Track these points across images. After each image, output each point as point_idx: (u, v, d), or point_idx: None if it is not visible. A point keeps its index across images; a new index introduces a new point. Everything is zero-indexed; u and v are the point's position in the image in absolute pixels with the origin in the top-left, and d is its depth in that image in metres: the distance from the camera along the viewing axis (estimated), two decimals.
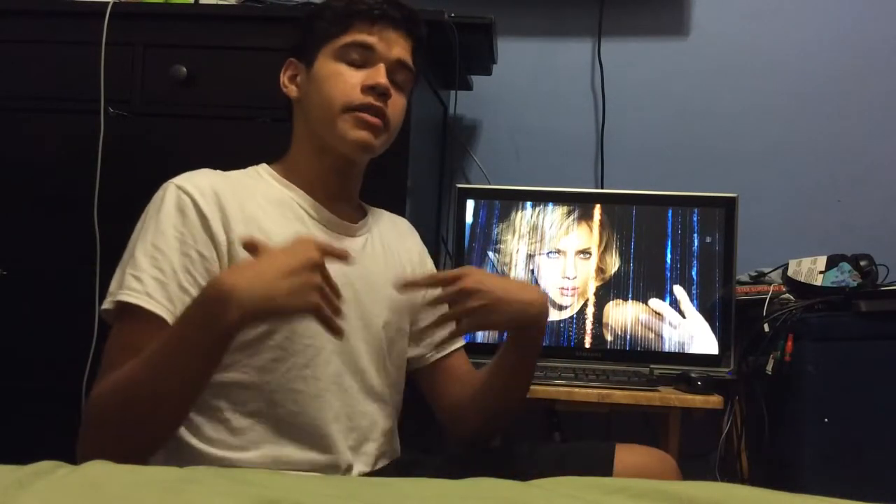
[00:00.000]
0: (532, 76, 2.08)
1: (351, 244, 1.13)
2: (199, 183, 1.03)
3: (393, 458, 1.15)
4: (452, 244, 1.78)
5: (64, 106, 1.62)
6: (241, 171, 1.14)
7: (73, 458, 1.32)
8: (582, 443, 1.16)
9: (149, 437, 0.92)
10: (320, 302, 0.88)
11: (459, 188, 1.80)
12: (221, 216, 1.02)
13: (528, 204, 1.76)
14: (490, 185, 1.99)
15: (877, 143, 2.00)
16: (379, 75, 1.08)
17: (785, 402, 1.57)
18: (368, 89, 1.07)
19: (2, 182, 1.62)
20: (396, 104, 1.11)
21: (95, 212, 1.54)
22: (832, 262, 1.63)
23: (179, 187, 1.02)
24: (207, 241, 1.00)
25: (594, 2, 2.03)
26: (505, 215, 1.77)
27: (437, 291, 1.25)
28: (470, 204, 1.77)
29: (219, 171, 1.09)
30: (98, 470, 0.69)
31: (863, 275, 1.60)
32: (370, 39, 1.09)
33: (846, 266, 1.61)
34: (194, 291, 0.97)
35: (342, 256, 0.92)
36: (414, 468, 1.11)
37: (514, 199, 1.77)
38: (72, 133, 1.60)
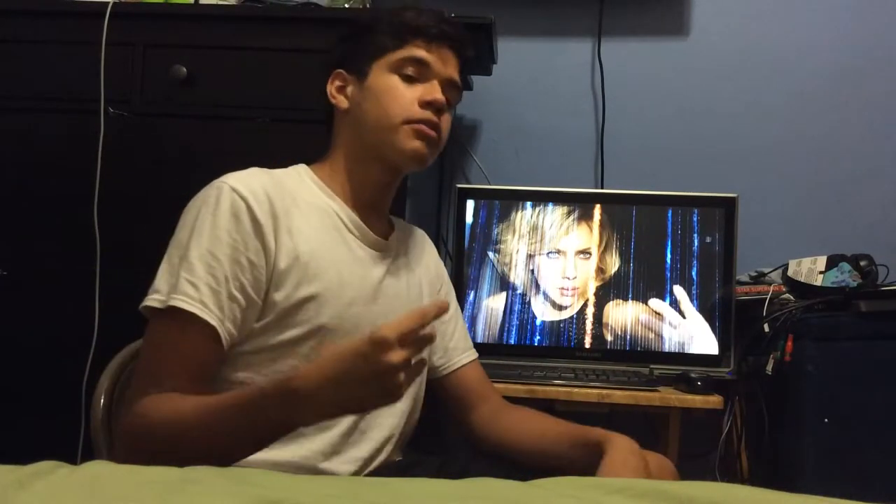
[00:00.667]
0: (532, 76, 2.08)
1: (381, 260, 1.14)
2: (253, 186, 1.02)
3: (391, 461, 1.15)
4: (452, 244, 1.78)
5: (64, 106, 1.62)
6: (284, 170, 1.13)
7: (73, 458, 1.32)
8: None
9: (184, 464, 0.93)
10: (402, 390, 0.84)
11: (459, 188, 1.80)
12: (273, 222, 1.01)
13: (528, 204, 1.76)
14: (490, 185, 1.99)
15: (877, 143, 2.00)
16: (436, 91, 1.09)
17: (785, 402, 1.57)
18: (426, 104, 1.09)
19: (2, 182, 1.62)
20: (447, 121, 1.13)
21: (95, 212, 1.54)
22: (832, 262, 1.63)
23: (234, 190, 1.00)
24: (259, 248, 1.00)
25: (594, 2, 2.03)
26: (505, 215, 1.77)
27: (453, 306, 1.28)
28: (470, 204, 1.78)
29: (266, 171, 1.08)
30: (98, 470, 0.69)
31: (863, 275, 1.60)
32: (428, 56, 1.10)
33: (846, 266, 1.61)
34: (241, 298, 0.98)
35: (440, 312, 0.86)
36: (414, 469, 1.11)
37: (514, 199, 1.77)
38: (72, 133, 1.60)
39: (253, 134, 1.57)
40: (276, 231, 1.01)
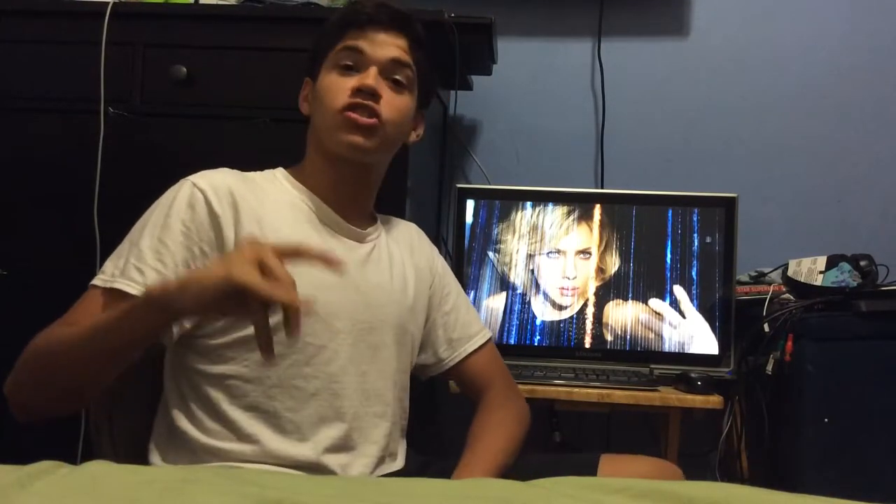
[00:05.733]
0: (532, 76, 2.08)
1: (359, 250, 1.14)
2: (215, 181, 1.05)
3: (394, 459, 1.15)
4: (452, 244, 1.78)
5: (64, 106, 1.62)
6: (259, 172, 1.15)
7: (73, 458, 1.33)
8: (573, 454, 1.17)
9: (63, 390, 0.96)
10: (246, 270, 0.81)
11: (459, 188, 1.80)
12: (234, 214, 1.03)
13: (528, 204, 1.76)
14: (490, 185, 1.99)
15: (877, 143, 2.00)
16: (367, 77, 1.09)
17: (785, 402, 1.57)
18: (357, 91, 1.09)
19: (2, 182, 1.62)
20: (392, 103, 1.11)
21: (95, 212, 1.54)
22: (832, 262, 1.63)
23: (195, 184, 1.04)
24: (213, 239, 1.02)
25: (594, 2, 2.03)
26: (505, 215, 1.77)
27: (453, 296, 1.27)
28: (470, 204, 1.77)
29: (237, 171, 1.11)
30: (98, 470, 0.69)
31: (863, 275, 1.60)
32: (357, 44, 1.11)
33: (846, 266, 1.61)
34: None
35: (330, 261, 0.87)
36: (415, 471, 1.12)
37: (514, 199, 1.77)
38: (72, 133, 1.60)
39: (253, 134, 1.57)
40: (236, 222, 1.03)
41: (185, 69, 1.57)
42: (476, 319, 1.30)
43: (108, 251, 1.54)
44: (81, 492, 0.62)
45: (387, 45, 1.12)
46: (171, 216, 1.02)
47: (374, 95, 1.09)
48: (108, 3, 1.56)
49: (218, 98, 1.60)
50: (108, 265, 1.03)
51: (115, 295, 0.99)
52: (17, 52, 1.63)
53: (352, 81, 1.09)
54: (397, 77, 1.12)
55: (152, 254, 1.00)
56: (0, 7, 1.63)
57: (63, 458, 0.71)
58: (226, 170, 1.10)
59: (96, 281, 1.01)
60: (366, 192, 1.19)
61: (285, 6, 1.64)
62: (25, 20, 1.65)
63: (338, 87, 1.09)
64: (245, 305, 0.80)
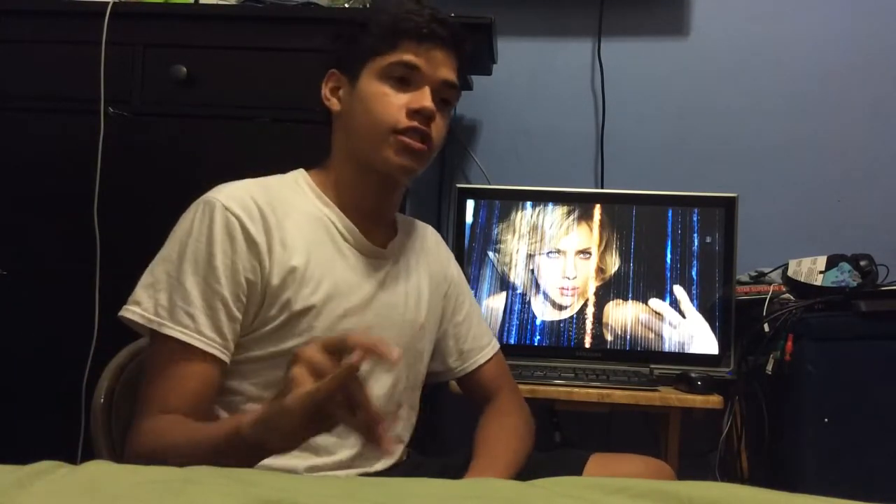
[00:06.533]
0: (532, 76, 2.08)
1: (379, 268, 1.12)
2: (245, 202, 1.01)
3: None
4: (452, 244, 1.78)
5: (64, 106, 1.62)
6: (280, 177, 1.11)
7: (73, 458, 1.32)
8: (563, 452, 1.16)
9: None
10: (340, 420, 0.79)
11: (459, 188, 1.80)
12: (267, 238, 1.00)
13: (528, 204, 1.76)
14: (490, 185, 1.99)
15: (877, 143, 2.00)
16: (424, 98, 1.05)
17: (785, 402, 1.57)
18: (414, 113, 1.04)
19: (2, 182, 1.62)
20: (440, 125, 1.08)
21: (95, 212, 1.54)
22: (832, 262, 1.63)
23: (227, 209, 0.99)
24: (255, 266, 0.99)
25: (594, 2, 2.03)
26: (505, 215, 1.77)
27: (466, 305, 1.26)
28: (470, 204, 1.78)
29: (258, 182, 1.06)
30: (98, 470, 0.69)
31: (863, 275, 1.60)
32: (416, 60, 1.05)
33: (846, 266, 1.61)
34: (239, 315, 0.99)
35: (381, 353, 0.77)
36: (417, 470, 1.11)
37: (514, 199, 1.77)
38: (72, 133, 1.60)
39: (253, 134, 1.57)
40: (269, 246, 1.00)
41: (185, 69, 1.57)
42: (486, 330, 1.28)
43: (108, 251, 1.55)
44: (81, 492, 0.62)
45: (442, 66, 1.07)
46: (213, 253, 0.97)
47: (431, 118, 1.05)
48: (108, 3, 1.57)
49: (218, 98, 1.60)
50: (145, 297, 0.98)
51: (174, 342, 0.96)
52: (17, 52, 1.63)
53: (405, 98, 1.05)
54: (443, 97, 1.09)
55: (200, 294, 0.97)
56: (0, 7, 1.63)
57: (63, 458, 0.71)
58: (248, 183, 1.05)
59: (134, 316, 0.98)
60: (391, 203, 1.15)
61: (285, 6, 1.64)
62: (25, 20, 1.65)
63: (389, 103, 1.05)
64: (330, 415, 0.78)
